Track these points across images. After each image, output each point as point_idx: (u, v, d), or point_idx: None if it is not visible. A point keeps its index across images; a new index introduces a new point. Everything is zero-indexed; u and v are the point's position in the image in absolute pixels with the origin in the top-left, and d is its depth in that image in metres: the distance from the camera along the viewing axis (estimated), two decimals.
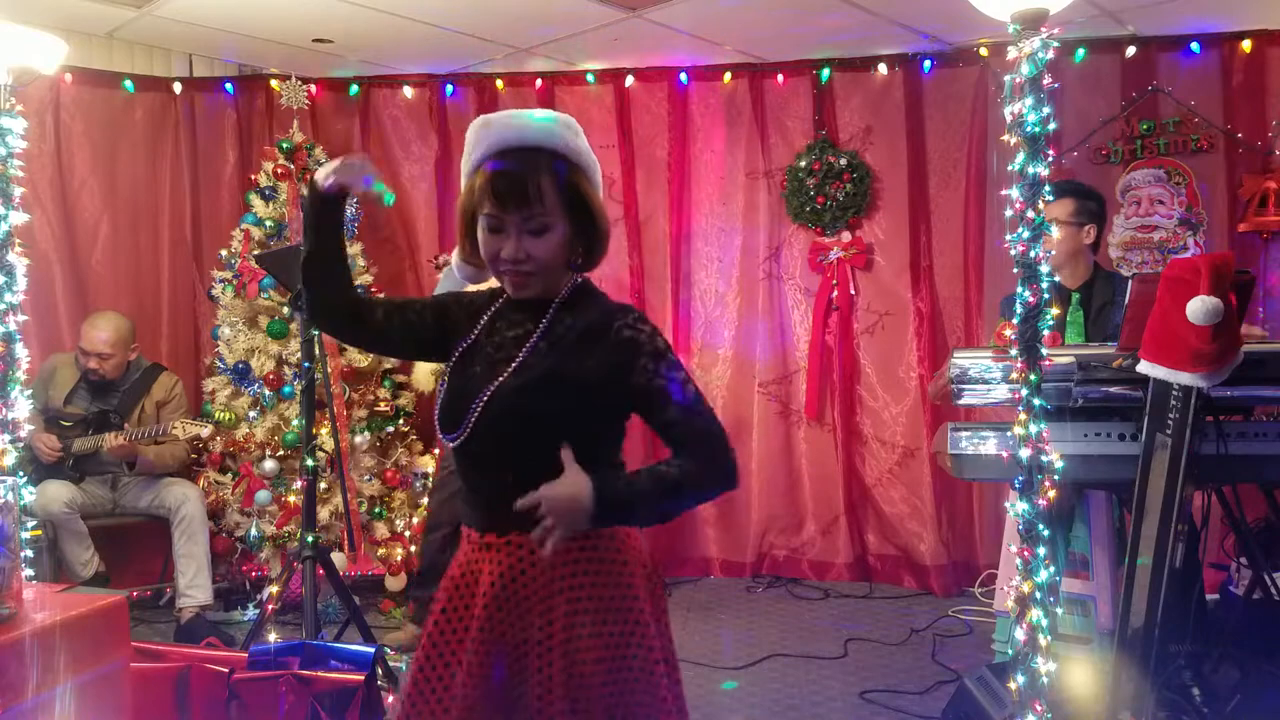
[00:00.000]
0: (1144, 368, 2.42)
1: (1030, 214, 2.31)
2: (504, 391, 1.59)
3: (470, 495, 1.69)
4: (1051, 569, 2.37)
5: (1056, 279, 3.39)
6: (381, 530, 4.58)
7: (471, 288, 2.06)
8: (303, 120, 4.96)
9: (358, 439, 4.63)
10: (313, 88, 5.07)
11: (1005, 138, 2.36)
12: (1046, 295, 2.34)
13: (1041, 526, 2.32)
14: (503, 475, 1.60)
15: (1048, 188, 3.33)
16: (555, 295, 1.65)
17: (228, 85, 5.09)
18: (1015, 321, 2.35)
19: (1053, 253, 3.27)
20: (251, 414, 4.55)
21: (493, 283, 1.71)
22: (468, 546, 1.68)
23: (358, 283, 4.56)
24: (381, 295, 1.79)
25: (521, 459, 1.58)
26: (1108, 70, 4.61)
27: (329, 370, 4.01)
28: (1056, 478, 2.35)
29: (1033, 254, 2.32)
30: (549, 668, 1.57)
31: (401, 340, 1.79)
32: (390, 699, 2.82)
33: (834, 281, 4.95)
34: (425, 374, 4.45)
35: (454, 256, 1.81)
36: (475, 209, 1.61)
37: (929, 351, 4.84)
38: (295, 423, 4.41)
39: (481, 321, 1.71)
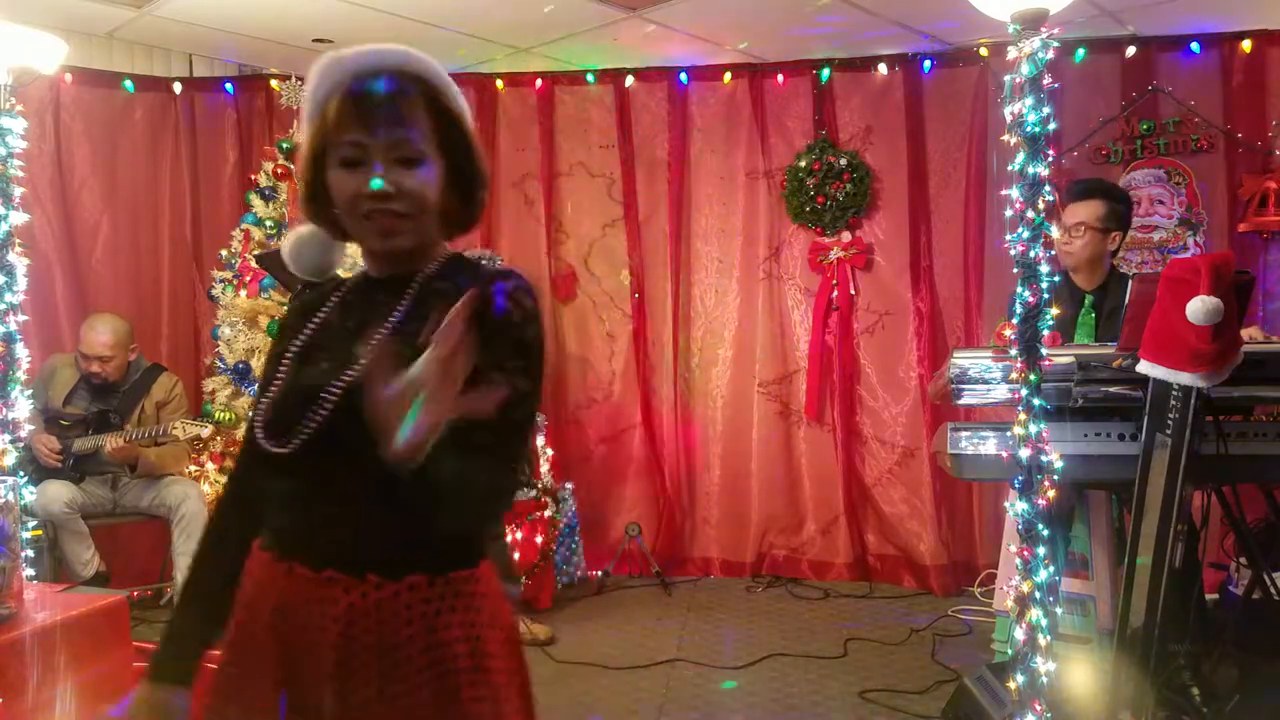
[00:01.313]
0: (1144, 368, 2.42)
1: (1030, 214, 2.31)
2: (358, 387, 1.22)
3: (297, 519, 1.31)
4: (1051, 569, 2.37)
5: (1065, 278, 3.39)
6: None
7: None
8: (303, 121, 4.95)
9: None
10: None
11: (1005, 138, 2.36)
12: (1046, 295, 2.34)
13: (1041, 526, 2.33)
14: (352, 494, 1.26)
15: (1079, 186, 3.37)
16: (422, 268, 1.34)
17: (228, 85, 5.09)
18: (1015, 321, 2.35)
19: (1072, 253, 3.30)
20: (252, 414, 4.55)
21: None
22: (286, 583, 1.28)
23: None
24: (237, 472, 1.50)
25: (378, 473, 1.17)
26: (1108, 70, 4.61)
27: None
28: (1056, 477, 2.35)
29: (1033, 254, 2.32)
30: None
31: None
32: None
33: (834, 281, 4.95)
34: None
35: (286, 243, 1.48)
36: (325, 147, 1.31)
37: (929, 351, 4.84)
38: None
39: (322, 312, 1.39)
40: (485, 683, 1.27)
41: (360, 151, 1.28)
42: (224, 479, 4.53)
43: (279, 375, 1.35)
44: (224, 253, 4.74)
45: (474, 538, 1.35)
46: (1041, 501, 2.33)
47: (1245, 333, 2.55)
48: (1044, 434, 2.34)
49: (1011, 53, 2.33)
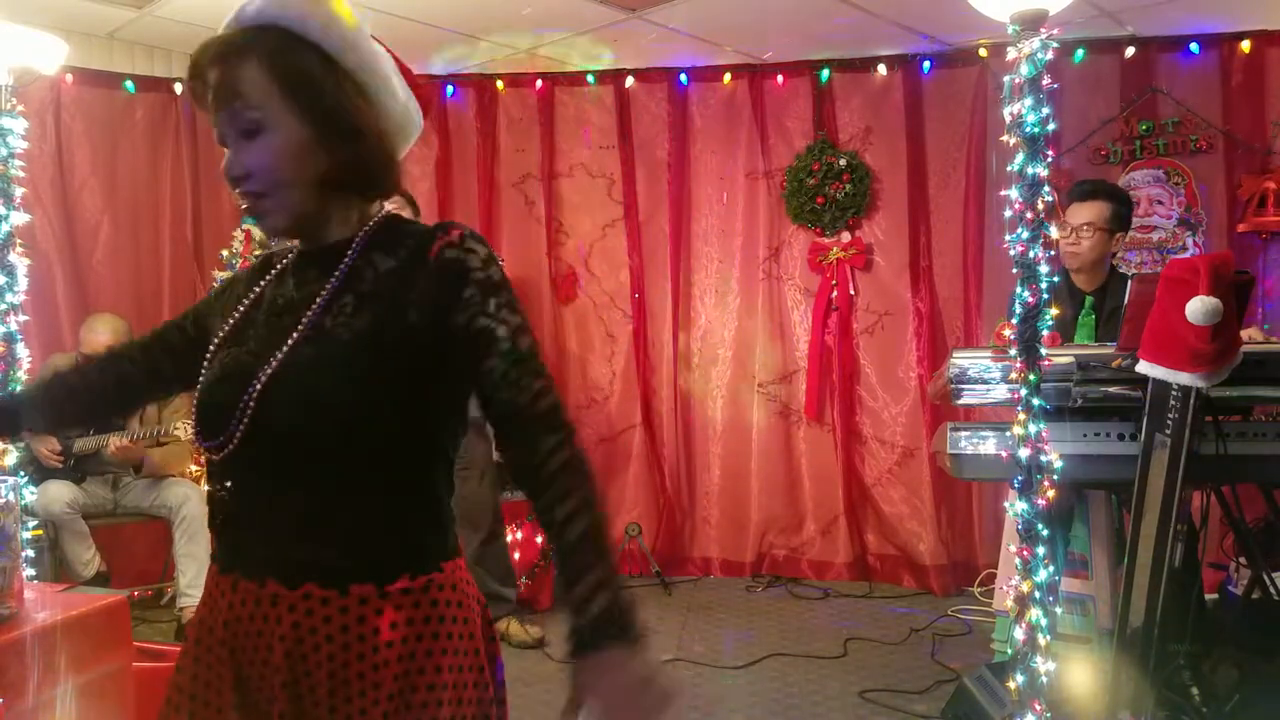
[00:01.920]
0: (1143, 368, 2.43)
1: (1029, 214, 2.31)
2: (292, 369, 1.15)
3: (239, 528, 1.21)
4: (1051, 569, 2.38)
5: (1065, 279, 3.40)
6: None
7: None
8: None
9: None
10: None
11: (1005, 138, 2.37)
12: (1046, 295, 2.35)
13: (1041, 526, 2.33)
14: (291, 495, 1.15)
15: (1083, 187, 3.38)
16: (352, 234, 1.22)
17: None
18: (1015, 321, 2.36)
19: (1077, 254, 3.31)
20: None
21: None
22: (233, 596, 1.20)
23: None
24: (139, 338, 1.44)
25: (318, 469, 1.13)
26: (1107, 71, 4.61)
27: None
28: (1056, 477, 2.36)
29: (1032, 254, 2.32)
30: None
31: (174, 372, 1.38)
32: None
33: (834, 281, 4.96)
34: None
35: None
36: None
37: (928, 351, 4.84)
38: None
39: (255, 292, 1.27)
40: (443, 700, 1.16)
41: (219, 131, 1.18)
42: None
43: (208, 356, 1.25)
44: (225, 253, 4.74)
45: (431, 540, 1.22)
46: (1041, 501, 2.34)
47: (1245, 333, 2.55)
48: (1043, 434, 2.34)
49: (1011, 53, 2.34)
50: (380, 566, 1.17)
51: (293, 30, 1.17)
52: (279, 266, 1.29)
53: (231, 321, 1.26)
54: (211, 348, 1.26)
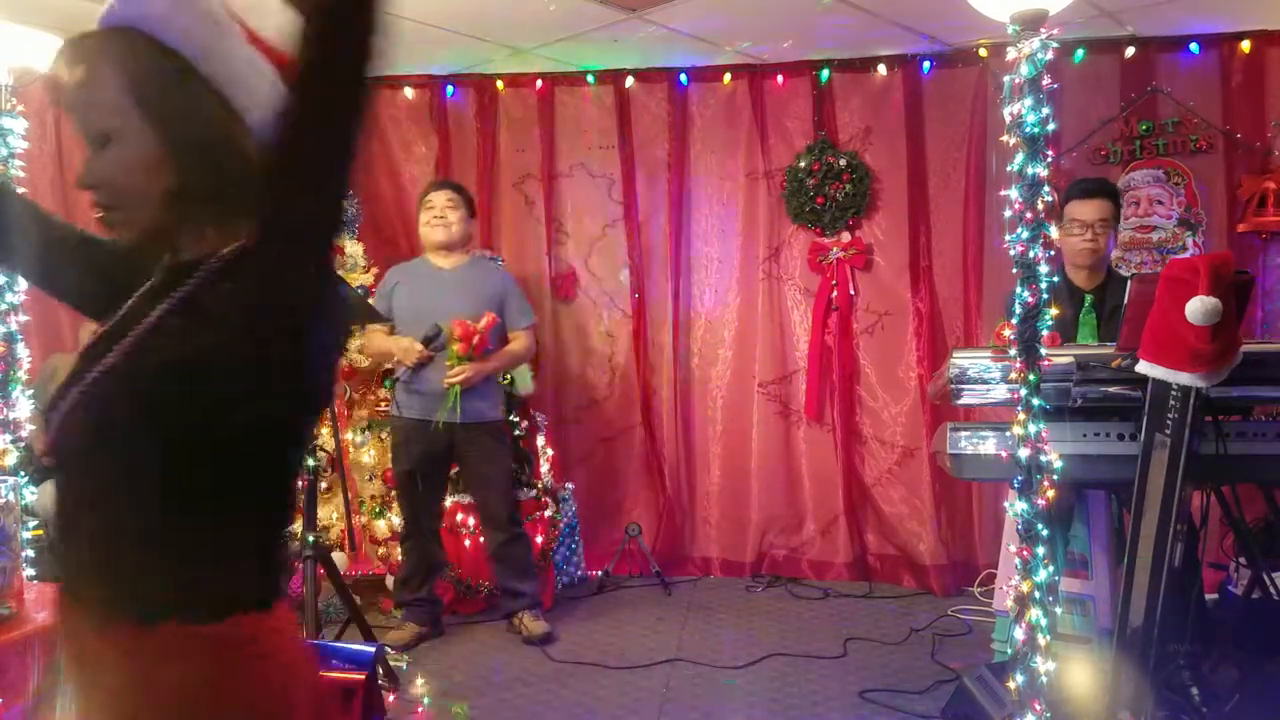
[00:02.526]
0: (1143, 368, 2.43)
1: (1029, 214, 2.31)
2: (95, 389, 1.07)
3: (57, 545, 1.15)
4: (1050, 568, 2.38)
5: (1063, 278, 3.40)
6: (382, 530, 4.59)
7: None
8: None
9: (358, 439, 4.63)
10: None
11: (1004, 138, 2.37)
12: (1046, 295, 2.35)
13: (1041, 526, 2.33)
14: (82, 519, 1.10)
15: (1090, 185, 3.41)
16: (208, 253, 1.12)
17: None
18: (1014, 321, 2.36)
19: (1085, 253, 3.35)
20: None
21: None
22: (64, 616, 1.15)
23: (357, 283, 4.56)
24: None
25: (106, 497, 1.06)
26: (1107, 71, 4.61)
27: None
28: (1056, 477, 2.36)
29: (1032, 254, 2.32)
30: None
31: (75, 280, 1.32)
32: (391, 698, 2.82)
33: (833, 282, 4.96)
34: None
35: None
36: None
37: (928, 351, 4.84)
38: None
39: (138, 295, 1.19)
40: None
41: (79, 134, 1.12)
42: None
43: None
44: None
45: (228, 585, 1.09)
46: (1041, 501, 2.34)
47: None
48: (1043, 434, 2.34)
49: (1011, 53, 2.34)
50: (158, 607, 1.06)
51: (153, 35, 1.08)
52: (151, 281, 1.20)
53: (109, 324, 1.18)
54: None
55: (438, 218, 4.06)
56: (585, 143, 5.18)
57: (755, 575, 5.01)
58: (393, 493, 4.69)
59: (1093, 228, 3.31)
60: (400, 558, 4.14)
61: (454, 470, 4.23)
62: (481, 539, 4.30)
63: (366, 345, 4.25)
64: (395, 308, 4.05)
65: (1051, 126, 2.33)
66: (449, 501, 4.32)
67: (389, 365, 4.23)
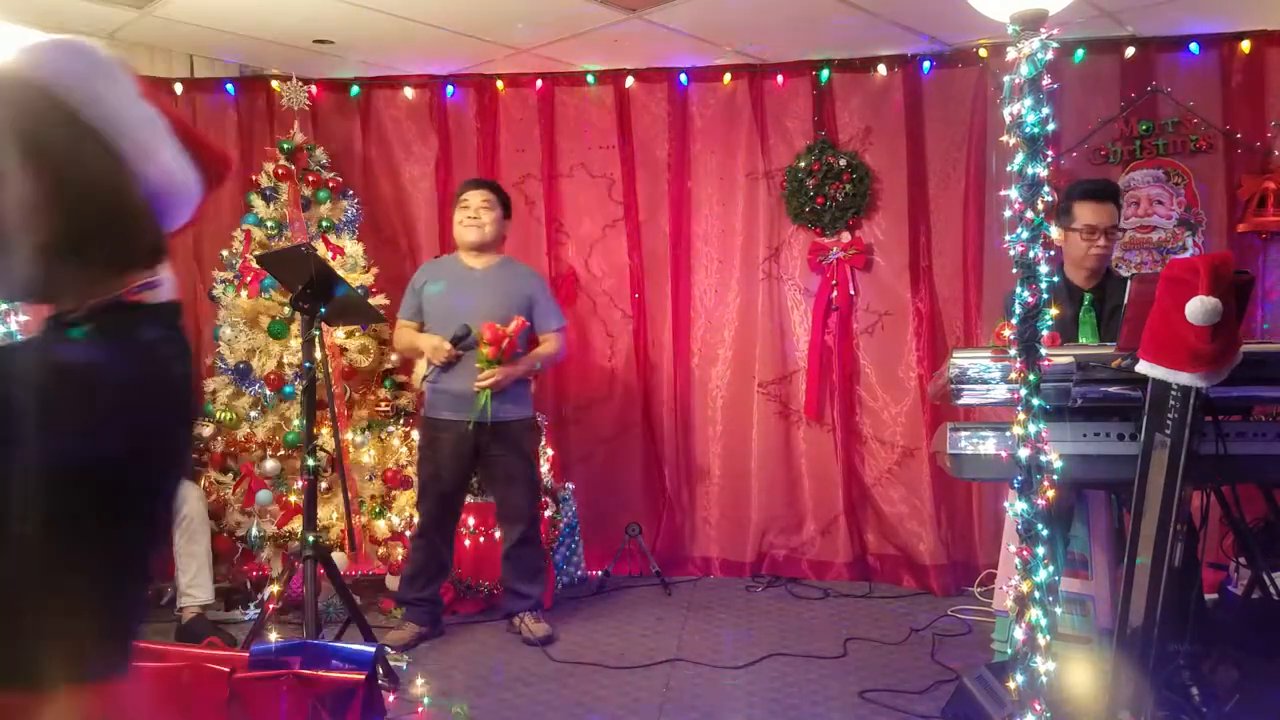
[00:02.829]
0: (1143, 368, 2.43)
1: (1029, 214, 2.31)
2: None
3: None
4: (1050, 568, 2.38)
5: (1063, 278, 3.41)
6: (382, 530, 4.59)
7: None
8: (304, 121, 4.97)
9: (358, 439, 4.64)
10: (313, 88, 5.08)
11: (1004, 138, 2.36)
12: (1045, 295, 2.35)
13: (1041, 526, 2.33)
14: None
15: (1097, 187, 3.41)
16: (69, 312, 1.09)
17: (229, 86, 5.10)
18: (1014, 321, 2.36)
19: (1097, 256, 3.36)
20: (252, 414, 4.56)
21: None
22: None
23: (357, 283, 4.56)
24: None
25: None
26: (1107, 71, 4.61)
27: (330, 370, 4.02)
28: (1056, 477, 2.36)
29: (1032, 254, 2.32)
30: None
31: None
32: (391, 698, 2.83)
33: (833, 282, 4.96)
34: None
35: None
36: None
37: (928, 351, 4.85)
38: (296, 423, 4.42)
39: None
40: None
41: None
42: (225, 480, 4.54)
43: None
44: (225, 253, 4.75)
45: (47, 657, 1.04)
46: (1041, 501, 2.34)
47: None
48: (1043, 434, 2.34)
49: (1011, 53, 2.34)
50: None
51: (45, 85, 1.06)
52: None
53: None
54: None
55: (471, 218, 4.07)
56: (585, 143, 5.18)
57: (755, 575, 5.01)
58: (393, 492, 4.70)
59: (1105, 233, 3.32)
60: (409, 554, 4.14)
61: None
62: (482, 539, 4.31)
63: (396, 340, 4.28)
64: (425, 305, 4.06)
65: (1051, 127, 2.33)
66: None
67: (417, 360, 4.27)
